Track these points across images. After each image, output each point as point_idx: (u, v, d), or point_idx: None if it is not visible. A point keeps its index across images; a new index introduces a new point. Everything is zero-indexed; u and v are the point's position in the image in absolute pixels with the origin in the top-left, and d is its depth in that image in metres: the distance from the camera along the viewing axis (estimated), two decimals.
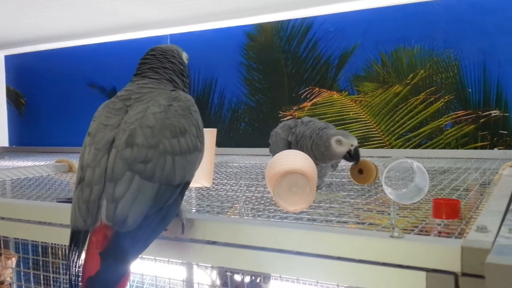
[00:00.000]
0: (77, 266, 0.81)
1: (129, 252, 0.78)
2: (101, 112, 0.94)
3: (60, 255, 2.20)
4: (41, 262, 1.75)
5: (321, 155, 1.40)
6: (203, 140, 0.95)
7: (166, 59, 1.05)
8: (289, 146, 1.48)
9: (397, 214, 1.02)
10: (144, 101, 0.92)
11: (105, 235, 0.78)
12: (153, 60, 1.04)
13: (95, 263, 0.77)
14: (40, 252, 1.87)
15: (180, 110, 0.92)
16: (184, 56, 1.12)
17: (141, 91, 0.96)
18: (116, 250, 0.77)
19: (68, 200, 1.22)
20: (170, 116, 0.89)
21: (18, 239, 2.00)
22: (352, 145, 1.38)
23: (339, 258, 0.80)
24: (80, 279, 0.80)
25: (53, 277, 1.81)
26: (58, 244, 2.03)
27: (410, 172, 1.19)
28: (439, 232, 0.92)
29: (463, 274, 0.69)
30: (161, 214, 0.83)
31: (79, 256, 0.82)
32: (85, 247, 0.82)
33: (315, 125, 1.47)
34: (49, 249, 1.93)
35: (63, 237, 1.09)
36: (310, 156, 1.40)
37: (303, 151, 1.42)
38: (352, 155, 1.38)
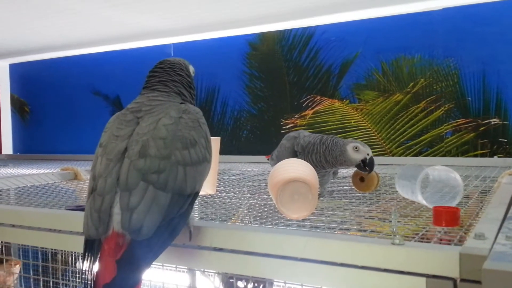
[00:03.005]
0: (91, 273, 0.84)
1: (144, 260, 0.81)
2: (112, 123, 0.97)
3: (69, 261, 2.22)
4: (50, 269, 1.78)
5: (334, 159, 1.42)
6: (211, 151, 0.98)
7: (174, 72, 1.08)
8: (294, 154, 1.51)
9: (398, 221, 1.05)
10: (155, 113, 0.95)
11: (118, 243, 0.81)
12: (161, 73, 1.07)
13: (110, 270, 0.79)
14: (50, 258, 1.89)
15: (190, 122, 0.95)
16: (191, 69, 1.15)
17: (151, 103, 0.98)
18: (132, 258, 0.80)
19: (77, 208, 1.25)
20: (181, 128, 0.92)
21: (27, 245, 2.03)
22: (368, 154, 1.41)
23: (342, 265, 0.82)
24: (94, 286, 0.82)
25: (62, 283, 1.83)
26: (66, 251, 2.05)
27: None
28: (440, 240, 0.94)
29: (462, 280, 0.71)
30: (174, 223, 0.85)
31: (93, 264, 0.84)
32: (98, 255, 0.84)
33: (321, 135, 1.51)
34: (58, 255, 1.95)
35: (73, 244, 1.12)
36: (321, 160, 1.44)
37: (311, 156, 1.46)
38: (366, 164, 1.41)
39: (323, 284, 0.87)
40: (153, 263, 0.88)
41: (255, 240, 0.90)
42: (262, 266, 0.89)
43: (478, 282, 0.69)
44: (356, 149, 1.41)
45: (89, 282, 0.82)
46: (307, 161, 1.43)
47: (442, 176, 1.22)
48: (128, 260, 0.79)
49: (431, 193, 1.23)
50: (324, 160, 1.44)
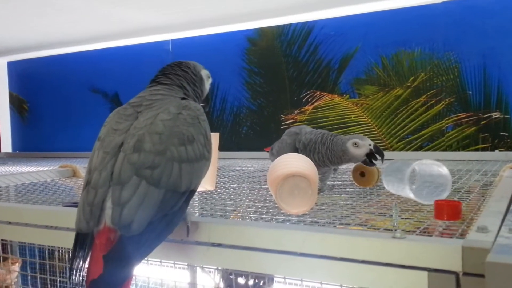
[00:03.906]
0: (81, 268, 0.82)
1: (133, 256, 0.79)
2: (112, 118, 0.96)
3: (66, 259, 2.21)
4: (48, 266, 1.76)
5: (338, 159, 1.41)
6: (210, 149, 0.97)
7: (179, 68, 1.09)
8: (295, 150, 1.49)
9: (399, 215, 1.04)
10: (154, 108, 0.94)
11: (109, 238, 0.79)
12: (167, 69, 1.09)
13: (98, 266, 0.77)
14: (47, 256, 1.88)
15: (189, 119, 0.93)
16: (204, 73, 1.15)
17: (152, 98, 0.98)
18: (120, 254, 0.78)
19: (74, 205, 1.23)
20: (179, 124, 0.91)
21: (24, 243, 2.02)
22: (370, 144, 1.39)
23: (342, 259, 0.81)
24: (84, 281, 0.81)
25: (60, 280, 1.81)
26: (64, 248, 2.04)
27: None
28: (442, 233, 0.93)
29: (464, 274, 0.70)
30: (166, 220, 0.83)
31: (84, 259, 0.83)
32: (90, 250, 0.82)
33: (322, 132, 1.49)
34: (56, 252, 1.94)
35: (69, 241, 1.11)
36: (324, 160, 1.43)
37: (313, 155, 1.44)
38: (375, 153, 1.39)
39: (323, 279, 0.86)
40: (150, 259, 0.86)
41: (253, 235, 0.89)
42: (261, 261, 0.88)
43: (481, 275, 0.68)
44: (355, 145, 1.39)
45: (80, 278, 0.81)
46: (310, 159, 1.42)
47: (430, 170, 1.20)
48: (116, 256, 0.77)
49: (418, 188, 1.21)
50: (328, 161, 1.43)
